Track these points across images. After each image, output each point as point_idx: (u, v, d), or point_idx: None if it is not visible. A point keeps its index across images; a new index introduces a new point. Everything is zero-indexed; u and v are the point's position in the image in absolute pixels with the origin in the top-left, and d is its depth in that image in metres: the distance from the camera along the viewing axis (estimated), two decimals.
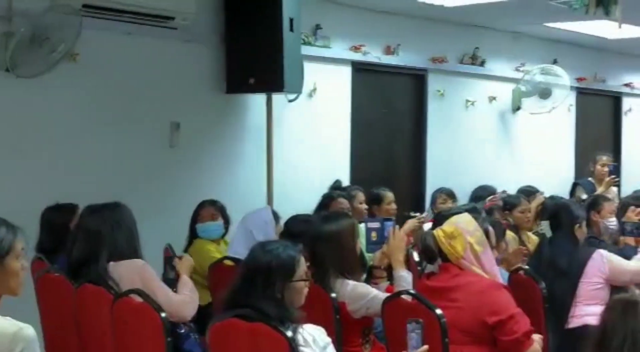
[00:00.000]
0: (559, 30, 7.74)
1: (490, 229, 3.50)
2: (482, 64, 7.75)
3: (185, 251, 4.73)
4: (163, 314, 3.26)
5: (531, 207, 5.96)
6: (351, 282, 3.56)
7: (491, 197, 6.17)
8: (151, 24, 5.20)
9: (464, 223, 3.34)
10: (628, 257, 4.50)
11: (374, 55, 6.85)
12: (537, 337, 3.22)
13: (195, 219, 4.88)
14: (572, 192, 7.46)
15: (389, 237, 3.82)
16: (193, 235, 4.87)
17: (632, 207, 5.14)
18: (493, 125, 7.99)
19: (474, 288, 3.21)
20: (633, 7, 4.41)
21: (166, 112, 5.50)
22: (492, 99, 7.90)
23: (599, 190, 7.05)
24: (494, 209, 5.61)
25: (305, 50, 6.02)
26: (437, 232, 3.35)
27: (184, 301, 3.58)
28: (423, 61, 7.26)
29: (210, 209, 4.89)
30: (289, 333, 2.65)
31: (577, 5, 4.30)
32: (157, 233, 4.57)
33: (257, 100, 5.98)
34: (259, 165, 5.98)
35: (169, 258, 3.86)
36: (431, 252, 3.35)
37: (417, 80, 7.38)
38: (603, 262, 4.36)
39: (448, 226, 3.36)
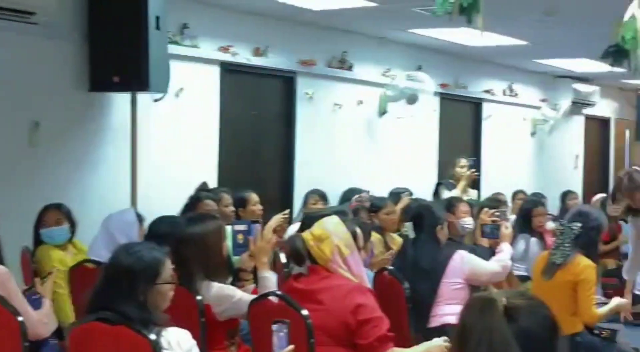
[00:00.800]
0: (423, 37, 7.94)
1: (358, 230, 3.53)
2: (350, 68, 7.86)
3: (33, 256, 4.58)
4: (20, 318, 3.15)
5: (397, 209, 6.09)
6: (216, 285, 3.53)
7: (356, 196, 6.26)
8: (10, 18, 4.98)
9: (333, 226, 3.36)
10: (481, 256, 4.67)
11: (243, 56, 6.82)
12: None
13: (39, 224, 4.67)
14: (436, 193, 7.69)
15: (256, 239, 3.82)
16: (38, 240, 4.66)
17: (485, 209, 5.33)
18: (361, 129, 8.11)
19: (340, 291, 3.22)
20: (494, 15, 4.56)
21: (25, 111, 5.29)
22: (359, 102, 8.02)
23: (459, 186, 7.31)
24: (360, 209, 5.69)
25: (172, 49, 5.92)
26: (306, 234, 3.36)
27: (41, 321, 3.53)
28: (292, 64, 7.29)
29: (55, 214, 4.67)
30: (152, 336, 2.60)
31: (440, 13, 4.39)
32: (15, 235, 4.37)
33: (122, 99, 5.84)
34: (123, 165, 5.84)
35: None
36: (299, 254, 3.35)
37: (286, 82, 7.40)
38: (463, 262, 4.50)
39: (317, 228, 3.36)
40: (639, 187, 4.46)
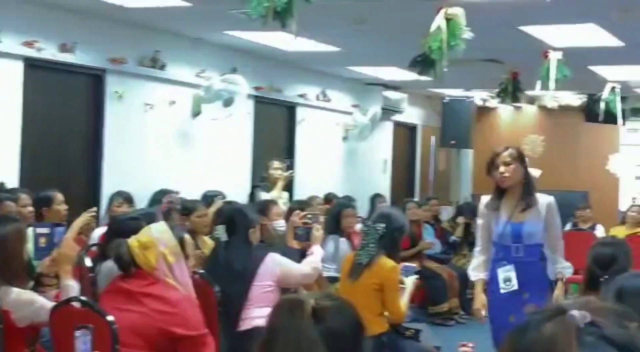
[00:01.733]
0: (239, 40, 7.93)
1: (187, 236, 3.48)
2: (162, 67, 7.71)
3: None
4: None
5: (209, 212, 6.04)
6: (16, 290, 3.35)
7: (165, 196, 6.16)
8: None
9: (159, 233, 3.29)
10: (291, 258, 4.71)
11: (49, 52, 6.53)
12: None
13: None
14: (252, 196, 7.70)
15: (59, 243, 3.67)
16: None
17: (297, 211, 5.39)
18: (173, 130, 7.98)
19: (166, 299, 3.17)
20: (308, 21, 4.62)
21: None
22: (172, 103, 7.89)
23: (277, 188, 7.37)
24: (171, 210, 5.60)
25: None
26: (132, 241, 3.28)
27: None
28: (101, 61, 7.06)
29: None
30: None
31: (255, 16, 4.39)
32: None
33: None
34: None
35: None
36: (124, 261, 3.26)
37: (94, 80, 7.15)
38: (274, 265, 4.52)
39: (143, 235, 3.29)
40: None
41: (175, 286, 3.23)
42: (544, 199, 4.69)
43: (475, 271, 4.81)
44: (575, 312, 1.31)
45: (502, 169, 4.60)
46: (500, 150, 4.68)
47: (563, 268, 4.72)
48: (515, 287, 4.57)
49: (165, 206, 5.75)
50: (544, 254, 4.68)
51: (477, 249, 4.87)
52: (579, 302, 1.35)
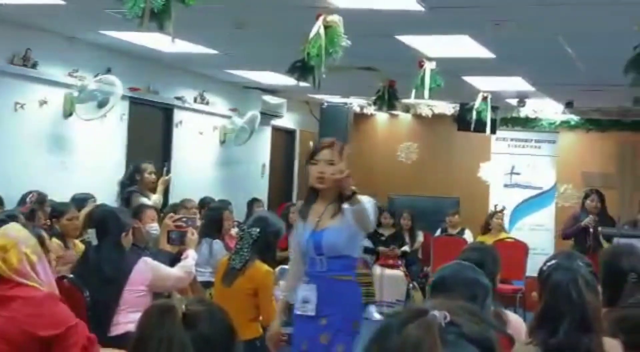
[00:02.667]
0: (115, 39, 7.76)
1: (44, 233, 3.36)
2: (34, 66, 7.47)
3: None
4: None
5: (80, 215, 5.89)
6: None
7: (28, 197, 5.98)
8: None
9: (15, 232, 3.16)
10: (162, 262, 4.65)
11: None
12: None
13: None
14: (128, 200, 7.53)
15: None
16: None
17: (170, 215, 5.32)
18: (45, 130, 7.73)
19: (31, 301, 3.05)
20: (186, 23, 4.56)
21: None
22: (43, 103, 7.64)
23: (158, 191, 7.25)
24: (35, 210, 5.43)
25: None
26: None
27: None
28: None
29: None
30: None
31: (131, 16, 4.31)
32: None
33: None
34: None
35: None
36: None
37: None
38: (147, 269, 4.45)
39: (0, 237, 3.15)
40: None
41: (38, 286, 3.12)
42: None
43: (281, 289, 4.45)
44: (436, 312, 1.35)
45: (321, 168, 4.07)
46: (326, 144, 4.15)
47: None
48: (311, 312, 4.03)
49: (28, 206, 5.56)
50: None
51: (289, 262, 4.41)
52: (435, 303, 1.39)
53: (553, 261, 3.06)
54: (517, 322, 3.66)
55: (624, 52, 5.04)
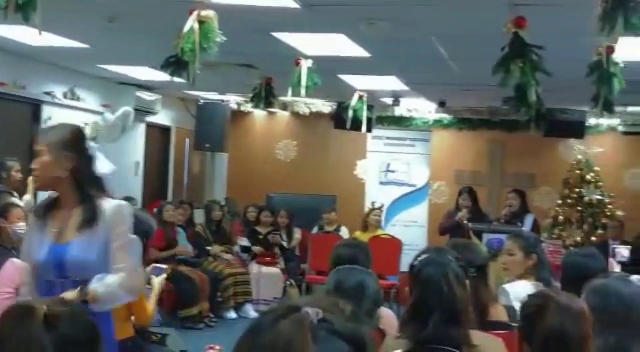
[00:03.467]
0: None
1: None
2: None
3: None
4: None
5: None
6: None
7: None
8: None
9: None
10: None
11: None
12: None
13: None
14: None
15: None
16: None
17: None
18: None
19: None
20: (54, 16, 4.41)
21: None
22: None
23: (27, 193, 6.98)
24: None
25: None
26: None
27: None
28: None
29: None
30: None
31: None
32: None
33: None
34: None
35: None
36: None
37: None
38: (14, 270, 4.27)
39: None
40: None
41: None
42: (110, 205, 3.23)
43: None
44: (308, 309, 1.36)
45: (34, 162, 3.26)
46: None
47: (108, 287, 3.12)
48: None
49: None
50: None
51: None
52: (308, 300, 1.39)
53: (424, 256, 3.11)
54: (389, 317, 3.72)
55: (494, 53, 5.18)
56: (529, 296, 2.69)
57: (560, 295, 2.57)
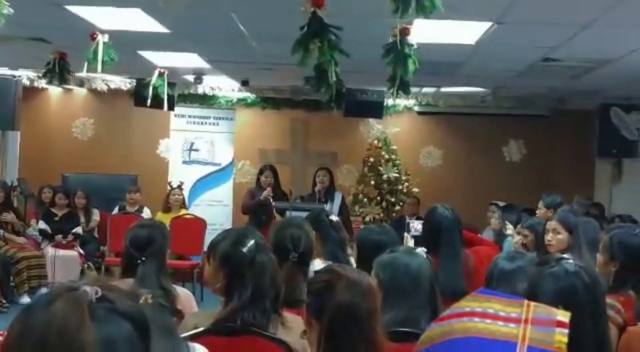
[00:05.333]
0: None
1: None
2: None
3: None
4: None
5: None
6: None
7: None
8: None
9: None
10: None
11: None
12: None
13: None
14: None
15: None
16: None
17: None
18: None
19: None
20: None
21: None
22: None
23: None
24: None
25: None
26: None
27: None
28: None
29: None
30: None
31: None
32: None
33: None
34: None
35: None
36: None
37: None
38: None
39: None
40: None
41: None
42: None
43: None
44: (86, 288, 1.31)
45: None
46: None
47: None
48: None
49: None
50: None
51: None
52: (89, 280, 1.35)
53: (225, 235, 3.10)
54: (186, 297, 3.69)
55: (294, 32, 5.17)
56: (316, 272, 2.71)
57: (348, 270, 2.59)
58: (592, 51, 7.70)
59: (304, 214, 7.91)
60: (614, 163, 12.01)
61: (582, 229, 4.84)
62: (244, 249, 3.00)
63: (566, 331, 1.97)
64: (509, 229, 6.81)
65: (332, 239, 4.70)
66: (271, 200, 8.85)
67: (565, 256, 2.64)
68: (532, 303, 2.10)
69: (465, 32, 6.94)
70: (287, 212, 7.68)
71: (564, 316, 2.01)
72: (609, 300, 3.15)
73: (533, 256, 3.36)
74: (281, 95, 12.32)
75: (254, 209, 9.13)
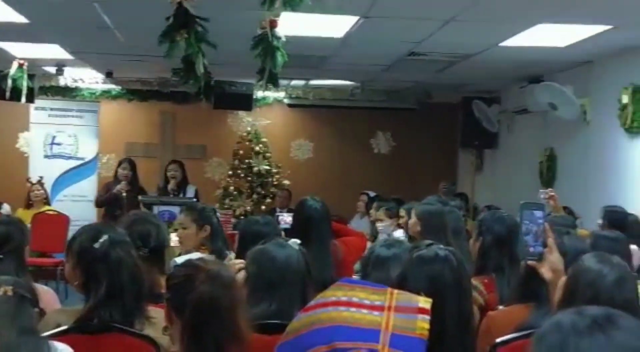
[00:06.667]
0: None
1: None
2: None
3: None
4: None
5: None
6: None
7: None
8: None
9: None
10: None
11: None
12: None
13: None
14: None
15: None
16: None
17: None
18: None
19: None
20: None
21: None
22: None
23: None
24: None
25: None
26: None
27: None
28: None
29: None
30: None
31: None
32: None
33: None
34: None
35: None
36: None
37: None
38: None
39: None
40: None
41: None
42: None
43: None
44: None
45: None
46: None
47: None
48: None
49: None
50: None
51: None
52: None
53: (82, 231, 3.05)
54: (47, 295, 3.58)
55: (160, 23, 5.07)
56: (176, 266, 2.67)
57: (209, 263, 2.57)
58: (454, 46, 7.92)
59: (174, 209, 7.84)
60: (476, 154, 12.42)
61: (447, 218, 4.98)
62: (96, 245, 2.92)
63: (428, 317, 2.01)
64: (379, 215, 6.93)
65: (220, 234, 4.72)
66: (123, 193, 8.72)
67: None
68: (396, 291, 2.13)
69: (333, 25, 7.00)
70: (155, 207, 7.55)
71: (425, 302, 2.05)
72: (473, 281, 3.26)
73: (410, 244, 3.43)
74: (149, 87, 12.07)
75: (107, 202, 8.97)
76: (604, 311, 1.36)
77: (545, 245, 2.76)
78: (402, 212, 6.23)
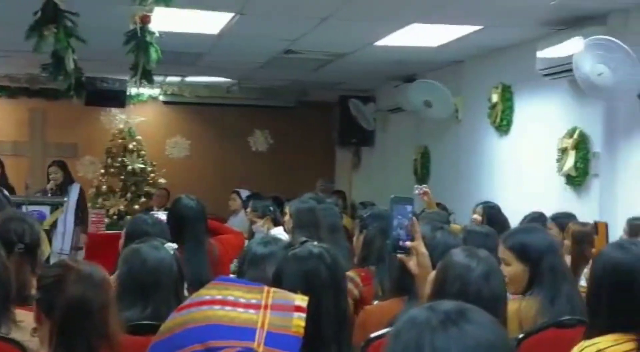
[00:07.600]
0: None
1: None
2: None
3: None
4: None
5: None
6: None
7: None
8: None
9: None
10: None
11: None
12: None
13: None
14: None
15: None
16: None
17: None
18: None
19: None
20: None
21: None
22: None
23: None
24: None
25: None
26: None
27: None
28: None
29: None
30: None
31: None
32: None
33: None
34: None
35: None
36: None
37: None
38: None
39: None
40: None
41: None
42: None
43: None
44: None
45: None
46: None
47: None
48: None
49: None
50: None
51: None
52: None
53: None
54: None
55: (28, 18, 4.89)
56: (46, 266, 2.59)
57: (80, 263, 2.50)
58: (330, 44, 7.99)
59: (44, 208, 7.60)
60: (353, 152, 12.59)
61: (322, 214, 5.02)
62: None
63: (304, 315, 2.01)
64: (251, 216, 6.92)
65: None
66: None
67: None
68: (272, 289, 2.13)
69: (208, 22, 6.94)
70: (24, 207, 7.29)
71: (302, 300, 2.05)
72: (349, 273, 3.28)
73: (286, 241, 3.42)
74: (17, 83, 11.65)
75: None
76: (456, 306, 1.37)
77: (413, 239, 2.81)
78: (287, 209, 6.22)
